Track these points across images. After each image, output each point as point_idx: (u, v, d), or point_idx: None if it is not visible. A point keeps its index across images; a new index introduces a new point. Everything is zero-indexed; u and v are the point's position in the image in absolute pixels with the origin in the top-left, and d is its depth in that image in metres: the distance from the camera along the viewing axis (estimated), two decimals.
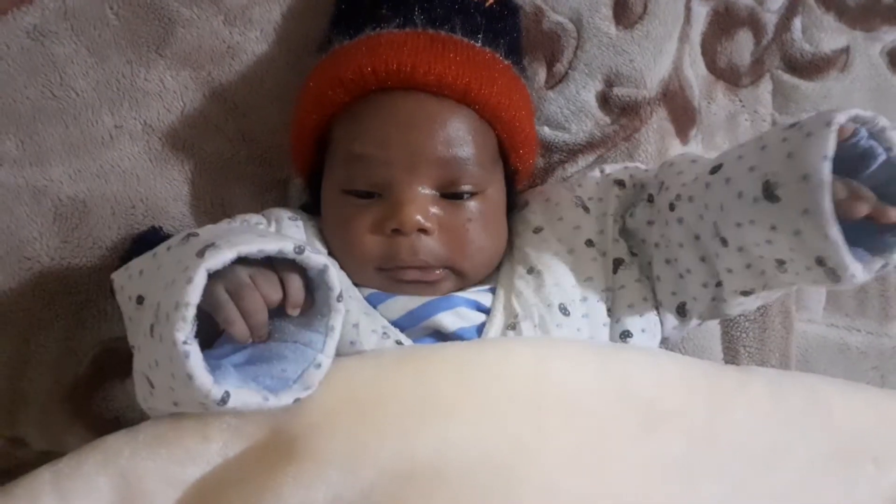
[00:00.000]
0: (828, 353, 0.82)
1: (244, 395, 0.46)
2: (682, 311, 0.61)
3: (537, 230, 0.64)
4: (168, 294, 0.46)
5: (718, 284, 0.58)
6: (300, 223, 0.64)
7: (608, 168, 0.68)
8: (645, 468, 0.50)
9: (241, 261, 0.47)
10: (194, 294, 0.44)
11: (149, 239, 0.69)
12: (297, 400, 0.48)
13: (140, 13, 0.70)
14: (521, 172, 0.68)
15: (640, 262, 0.63)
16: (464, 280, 0.61)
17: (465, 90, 0.60)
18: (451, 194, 0.60)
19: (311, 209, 0.69)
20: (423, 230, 0.58)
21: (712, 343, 0.75)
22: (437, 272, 0.60)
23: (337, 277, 0.49)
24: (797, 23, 0.84)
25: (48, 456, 0.52)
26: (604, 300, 0.61)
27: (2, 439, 0.68)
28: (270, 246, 0.48)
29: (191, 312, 0.44)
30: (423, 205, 0.59)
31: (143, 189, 0.70)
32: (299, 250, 0.48)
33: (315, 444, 0.47)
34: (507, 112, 0.62)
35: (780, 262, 0.52)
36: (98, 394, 0.68)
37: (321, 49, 0.68)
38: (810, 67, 0.83)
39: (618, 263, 0.63)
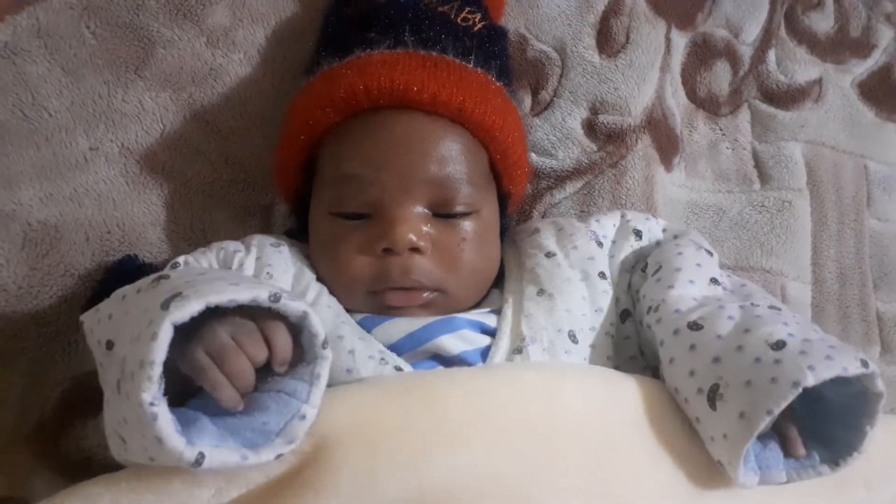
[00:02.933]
0: None
1: (221, 455, 0.42)
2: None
3: (550, 255, 0.62)
4: (133, 350, 0.42)
5: None
6: (284, 248, 0.62)
7: (630, 215, 0.67)
8: (652, 498, 0.49)
9: (216, 310, 0.43)
10: (159, 352, 0.41)
11: (124, 268, 0.65)
12: (279, 456, 0.44)
13: (118, 33, 0.68)
14: (512, 197, 0.67)
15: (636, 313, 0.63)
16: (452, 304, 0.59)
17: (460, 109, 0.59)
18: (444, 214, 0.59)
19: (296, 235, 0.66)
20: (415, 249, 0.56)
21: None
22: (425, 295, 0.58)
23: (320, 323, 0.46)
24: (771, 55, 0.86)
25: (11, 503, 0.47)
26: (612, 334, 0.60)
27: None
28: (242, 295, 0.44)
29: (156, 371, 0.40)
30: (415, 223, 0.57)
31: (120, 214, 0.67)
32: (275, 298, 0.44)
33: (319, 478, 0.44)
34: (501, 132, 0.61)
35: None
36: (67, 433, 0.63)
37: (308, 71, 0.66)
38: (786, 97, 0.86)
39: (626, 315, 0.62)
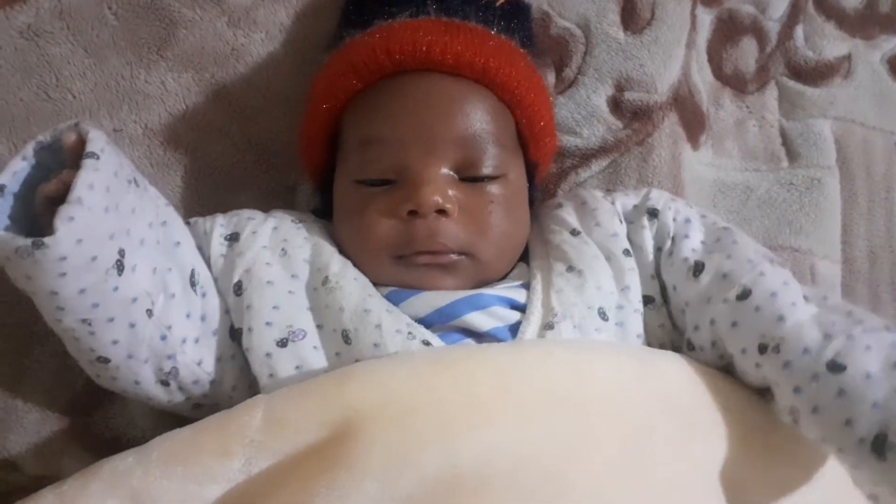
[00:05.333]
0: None
1: None
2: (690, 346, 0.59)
3: (574, 232, 0.61)
4: None
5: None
6: (303, 225, 0.61)
7: (654, 193, 0.63)
8: (688, 475, 0.49)
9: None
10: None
11: None
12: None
13: (140, 14, 0.68)
14: (539, 168, 0.65)
15: (670, 308, 0.60)
16: (481, 271, 0.58)
17: (484, 69, 0.58)
18: (471, 177, 0.58)
19: (320, 214, 0.66)
20: (441, 211, 0.55)
21: None
22: (452, 256, 0.56)
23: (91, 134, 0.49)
24: (799, 31, 0.85)
25: (42, 480, 0.48)
26: (640, 311, 0.58)
27: None
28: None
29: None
30: (441, 185, 0.56)
31: None
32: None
33: (350, 454, 0.44)
34: (527, 96, 0.60)
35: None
36: (97, 412, 0.64)
37: (330, 46, 0.66)
38: (814, 74, 0.84)
39: (647, 301, 0.59)
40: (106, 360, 0.53)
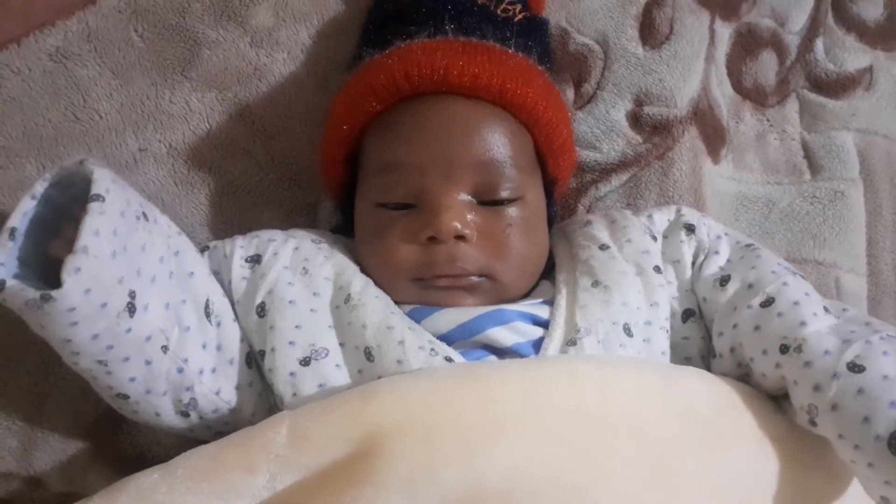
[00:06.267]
0: None
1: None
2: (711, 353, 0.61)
3: (604, 247, 0.61)
4: None
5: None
6: (324, 244, 0.62)
7: (685, 210, 0.65)
8: (717, 487, 0.48)
9: None
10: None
11: None
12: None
13: (165, 35, 0.69)
14: (559, 183, 0.66)
15: (705, 318, 0.61)
16: (501, 291, 0.58)
17: (501, 91, 0.58)
18: (489, 201, 0.58)
19: (342, 231, 0.67)
20: (460, 237, 0.56)
21: None
22: (472, 279, 0.57)
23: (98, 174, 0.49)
24: (819, 43, 0.84)
25: (67, 498, 0.48)
26: (666, 329, 0.58)
27: (18, 480, 0.63)
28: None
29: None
30: (460, 211, 0.56)
31: (169, 213, 0.65)
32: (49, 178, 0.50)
33: (374, 470, 0.44)
34: (545, 114, 0.60)
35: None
36: (122, 429, 0.64)
37: (350, 66, 0.67)
38: (836, 86, 0.83)
39: (688, 315, 0.61)
40: (125, 397, 0.54)
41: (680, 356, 0.60)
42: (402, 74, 0.57)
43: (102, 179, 0.49)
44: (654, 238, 0.62)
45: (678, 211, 0.65)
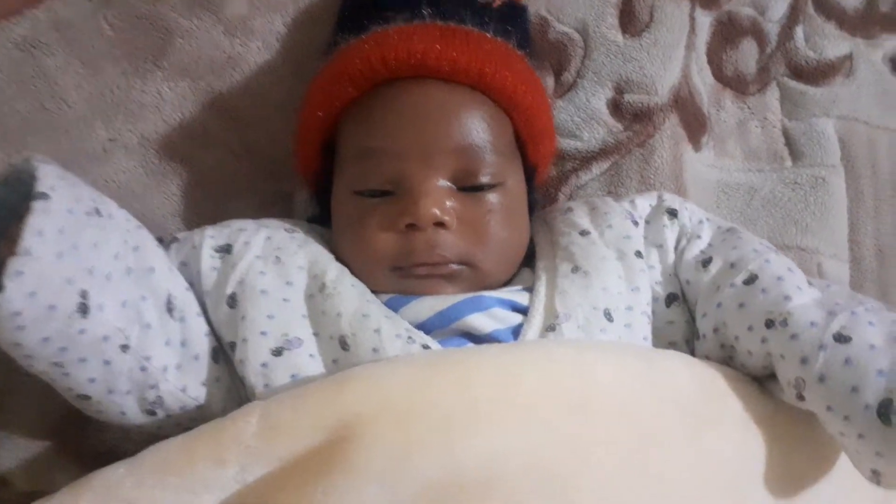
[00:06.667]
0: None
1: None
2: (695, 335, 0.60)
3: (584, 233, 0.60)
4: None
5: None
6: (298, 234, 0.60)
7: (666, 196, 0.65)
8: (695, 473, 0.47)
9: None
10: None
11: None
12: None
13: (136, 24, 0.68)
14: (539, 170, 0.65)
15: (688, 302, 0.60)
16: (481, 279, 0.57)
17: (479, 75, 0.57)
18: (469, 187, 0.57)
19: (318, 220, 0.65)
20: (440, 224, 0.55)
21: None
22: (452, 266, 0.56)
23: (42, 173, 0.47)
24: (799, 31, 0.84)
25: (33, 497, 0.46)
26: (648, 314, 0.58)
27: None
28: None
29: None
30: (439, 197, 0.55)
31: (140, 205, 0.66)
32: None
33: (348, 457, 0.43)
34: (524, 98, 0.59)
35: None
36: (90, 425, 0.62)
37: (326, 52, 0.65)
38: (816, 73, 0.83)
39: (672, 299, 0.60)
40: (87, 397, 0.52)
41: (665, 341, 0.59)
42: (379, 59, 0.56)
43: (47, 176, 0.47)
44: (636, 223, 0.62)
45: (660, 196, 0.65)
